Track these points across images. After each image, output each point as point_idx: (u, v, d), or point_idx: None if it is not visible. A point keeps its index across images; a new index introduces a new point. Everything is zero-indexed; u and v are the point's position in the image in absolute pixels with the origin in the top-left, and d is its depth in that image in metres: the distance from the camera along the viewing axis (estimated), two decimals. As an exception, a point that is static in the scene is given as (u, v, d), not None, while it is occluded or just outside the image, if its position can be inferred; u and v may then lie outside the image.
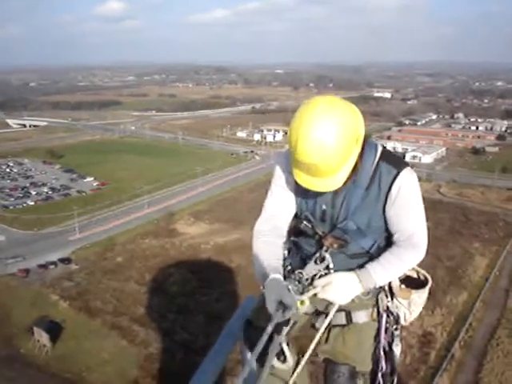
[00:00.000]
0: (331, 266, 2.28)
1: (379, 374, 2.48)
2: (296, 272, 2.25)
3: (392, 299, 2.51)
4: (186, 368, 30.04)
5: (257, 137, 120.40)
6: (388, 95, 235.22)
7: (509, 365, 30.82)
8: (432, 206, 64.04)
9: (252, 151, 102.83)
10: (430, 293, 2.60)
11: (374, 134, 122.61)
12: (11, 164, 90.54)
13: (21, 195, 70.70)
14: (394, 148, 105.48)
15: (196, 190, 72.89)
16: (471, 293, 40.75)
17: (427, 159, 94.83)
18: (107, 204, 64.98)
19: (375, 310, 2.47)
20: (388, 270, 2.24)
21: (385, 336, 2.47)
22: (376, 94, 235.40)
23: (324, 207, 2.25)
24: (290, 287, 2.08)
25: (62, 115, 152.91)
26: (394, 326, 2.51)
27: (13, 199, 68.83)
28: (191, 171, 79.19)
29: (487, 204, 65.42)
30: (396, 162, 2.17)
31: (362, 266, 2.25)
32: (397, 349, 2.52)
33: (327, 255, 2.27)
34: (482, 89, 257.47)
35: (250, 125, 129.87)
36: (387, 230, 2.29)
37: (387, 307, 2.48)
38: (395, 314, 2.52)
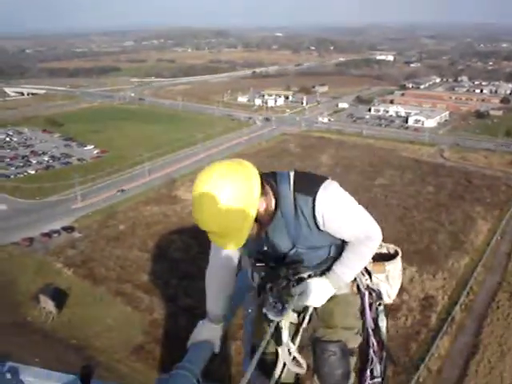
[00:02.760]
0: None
1: (370, 351, 2.64)
2: (271, 294, 2.32)
3: (370, 278, 2.64)
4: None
5: (258, 102, 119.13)
6: (391, 58, 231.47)
7: (508, 327, 31.25)
8: (434, 171, 63.98)
9: (250, 118, 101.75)
10: (403, 267, 2.76)
11: (376, 98, 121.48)
12: (11, 133, 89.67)
13: (21, 164, 70.36)
14: (397, 112, 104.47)
15: (197, 157, 72.48)
16: (473, 257, 40.96)
17: (430, 123, 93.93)
18: (108, 172, 64.79)
19: (355, 284, 2.57)
20: (352, 266, 2.38)
21: (370, 313, 2.60)
22: (378, 57, 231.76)
23: (265, 248, 2.32)
24: (269, 315, 2.30)
25: (60, 82, 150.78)
26: (378, 302, 2.65)
27: (13, 168, 68.53)
28: (191, 137, 78.66)
29: (490, 168, 65.13)
30: (308, 188, 2.18)
31: (329, 268, 2.40)
32: (382, 324, 2.67)
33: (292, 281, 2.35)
34: (486, 51, 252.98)
35: (250, 90, 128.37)
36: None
37: (367, 285, 2.61)
38: (376, 290, 2.65)
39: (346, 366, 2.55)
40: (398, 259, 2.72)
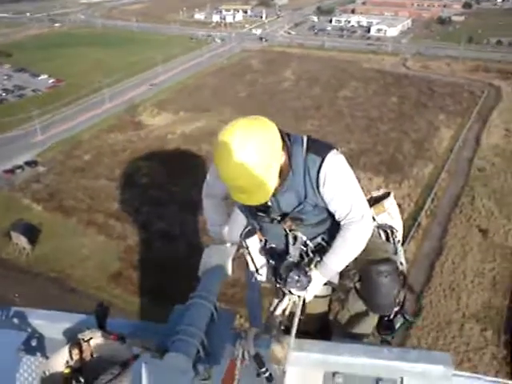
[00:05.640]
0: (304, 238, 2.48)
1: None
2: (291, 273, 2.39)
3: (374, 220, 2.78)
4: (164, 255, 31.18)
5: (216, 18, 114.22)
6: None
7: (470, 229, 33.01)
8: (397, 81, 63.97)
9: (210, 35, 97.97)
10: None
11: (336, 9, 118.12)
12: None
13: (-28, 99, 66.70)
14: (359, 22, 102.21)
15: (157, 79, 70.23)
16: (437, 164, 42.14)
17: (392, 32, 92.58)
18: (66, 102, 62.18)
19: None
20: (342, 254, 2.42)
21: (393, 249, 2.78)
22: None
23: (269, 203, 2.33)
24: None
25: (2, 9, 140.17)
26: (394, 235, 2.86)
27: (-36, 104, 64.99)
28: (150, 60, 75.54)
29: (453, 76, 65.35)
30: (319, 150, 2.25)
31: (329, 229, 2.50)
32: (401, 254, 2.86)
33: (299, 234, 2.46)
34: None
35: (207, 6, 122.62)
36: None
37: (378, 225, 2.82)
38: (388, 226, 2.86)
39: (398, 286, 2.72)
40: (392, 197, 2.93)
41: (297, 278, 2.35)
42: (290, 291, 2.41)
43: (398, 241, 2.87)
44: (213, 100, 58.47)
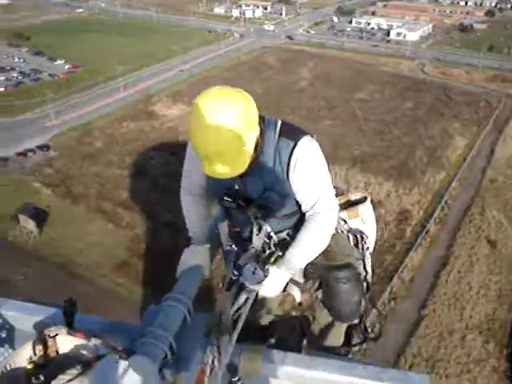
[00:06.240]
0: (269, 229, 2.42)
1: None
2: (248, 265, 2.29)
3: (346, 223, 2.76)
4: (171, 246, 31.16)
5: (235, 13, 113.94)
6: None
7: (479, 239, 32.61)
8: (415, 86, 63.45)
9: (230, 29, 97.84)
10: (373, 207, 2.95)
11: (357, 10, 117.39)
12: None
13: (-11, 81, 67.06)
14: (379, 25, 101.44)
15: (173, 71, 70.23)
16: (449, 172, 41.71)
17: (412, 36, 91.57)
18: (82, 88, 62.45)
19: (339, 228, 2.68)
20: (305, 248, 2.33)
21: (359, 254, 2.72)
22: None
23: (236, 187, 2.30)
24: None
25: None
26: (363, 241, 2.78)
27: (-19, 86, 65.35)
28: (168, 51, 75.72)
29: (471, 84, 64.64)
30: (293, 134, 2.21)
31: (296, 224, 2.44)
32: (368, 262, 2.78)
33: (264, 224, 2.40)
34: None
35: (227, 0, 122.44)
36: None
37: (349, 229, 2.75)
38: (359, 231, 2.78)
39: (360, 293, 2.66)
40: (368, 202, 2.85)
41: (253, 269, 2.25)
42: (243, 284, 2.29)
43: (367, 248, 2.80)
44: (228, 95, 58.45)
